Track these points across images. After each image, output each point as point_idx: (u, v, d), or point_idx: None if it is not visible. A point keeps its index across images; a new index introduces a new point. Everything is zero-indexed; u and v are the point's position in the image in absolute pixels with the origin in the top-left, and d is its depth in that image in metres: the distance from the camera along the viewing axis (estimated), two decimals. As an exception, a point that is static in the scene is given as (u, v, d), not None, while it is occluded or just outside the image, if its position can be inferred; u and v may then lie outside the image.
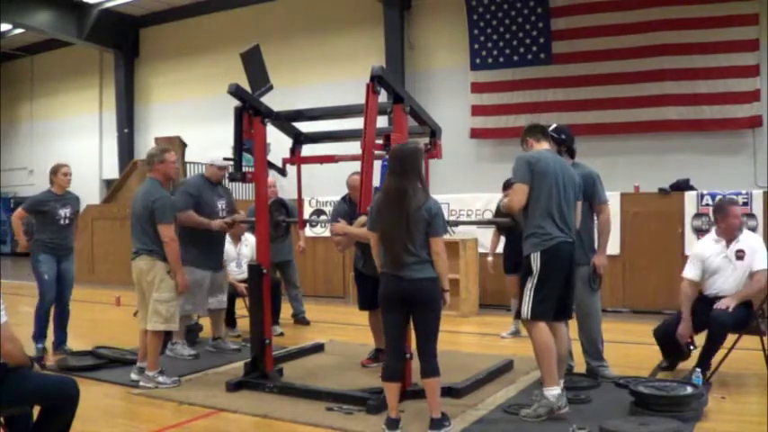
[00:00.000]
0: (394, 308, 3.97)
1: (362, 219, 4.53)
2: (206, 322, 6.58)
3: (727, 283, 4.96)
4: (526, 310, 4.18)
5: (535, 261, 4.17)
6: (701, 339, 5.04)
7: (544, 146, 4.40)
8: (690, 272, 5.11)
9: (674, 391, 4.23)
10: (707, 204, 8.07)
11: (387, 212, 3.92)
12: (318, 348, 6.38)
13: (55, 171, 6.45)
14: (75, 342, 6.62)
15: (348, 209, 5.49)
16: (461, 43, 12.27)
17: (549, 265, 4.14)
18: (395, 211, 3.88)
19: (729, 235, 5.00)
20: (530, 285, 4.19)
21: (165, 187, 5.23)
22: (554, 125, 5.02)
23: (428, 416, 3.95)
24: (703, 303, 5.01)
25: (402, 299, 3.93)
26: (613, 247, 8.49)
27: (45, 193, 6.37)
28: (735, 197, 7.76)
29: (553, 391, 4.08)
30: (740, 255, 4.94)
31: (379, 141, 4.54)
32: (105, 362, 5.70)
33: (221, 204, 6.01)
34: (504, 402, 4.55)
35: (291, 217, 6.09)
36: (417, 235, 3.87)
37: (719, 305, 4.81)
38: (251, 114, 5.07)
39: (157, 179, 5.20)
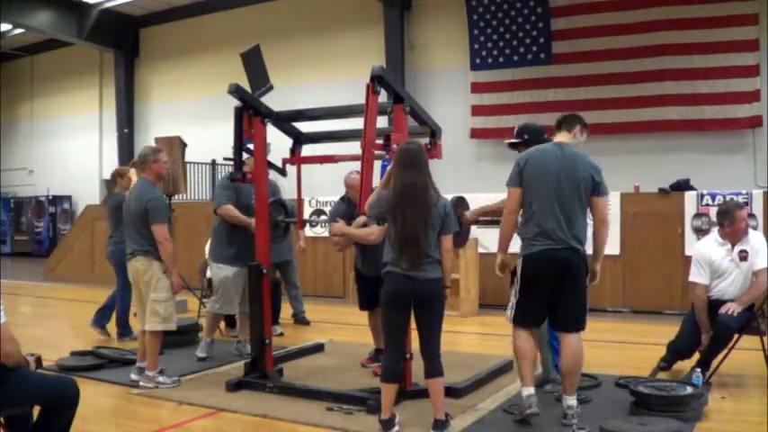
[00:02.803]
0: (400, 307, 3.95)
1: (362, 219, 4.52)
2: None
3: (732, 286, 4.92)
4: (509, 314, 4.19)
5: (519, 266, 4.10)
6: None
7: (559, 137, 4.15)
8: (701, 277, 5.00)
9: (674, 391, 4.22)
10: (707, 204, 8.08)
11: (405, 210, 3.81)
12: (318, 348, 6.38)
13: (123, 174, 7.01)
14: (75, 342, 6.63)
15: (347, 209, 5.48)
16: (461, 43, 12.28)
17: (528, 272, 4.04)
18: (414, 210, 3.81)
19: (736, 239, 4.95)
20: (513, 291, 4.17)
21: (156, 187, 5.23)
22: (518, 126, 4.85)
23: (428, 416, 3.96)
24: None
25: (410, 299, 3.90)
26: (613, 247, 8.51)
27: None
28: (735, 197, 7.76)
29: (523, 392, 4.03)
30: (743, 255, 4.91)
31: (379, 141, 4.54)
32: (105, 362, 5.70)
33: None
34: (505, 402, 4.54)
35: (291, 217, 6.08)
36: (433, 234, 3.87)
37: (724, 309, 4.78)
38: (251, 114, 5.06)
39: (149, 179, 5.19)
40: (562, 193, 3.97)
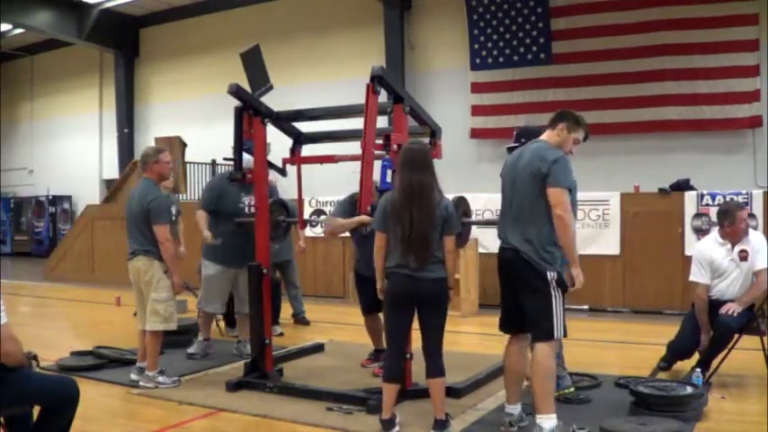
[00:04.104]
0: (404, 307, 3.94)
1: (364, 219, 4.53)
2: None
3: (732, 286, 4.91)
4: None
5: None
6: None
7: (543, 136, 3.99)
8: (701, 277, 4.99)
9: (674, 391, 4.23)
10: (707, 204, 8.08)
11: (412, 211, 3.80)
12: (318, 348, 6.38)
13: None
14: (75, 342, 6.63)
15: (349, 207, 5.45)
16: (461, 43, 12.28)
17: (498, 273, 4.00)
18: (421, 210, 3.80)
19: (736, 239, 4.94)
20: None
21: (159, 187, 5.24)
22: (516, 130, 4.80)
23: (428, 416, 3.96)
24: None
25: (414, 299, 3.89)
26: (613, 247, 8.53)
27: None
28: (735, 197, 7.76)
29: (506, 408, 3.99)
30: (743, 255, 4.90)
31: (379, 141, 4.53)
32: (105, 362, 5.70)
33: (247, 200, 5.81)
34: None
35: (291, 217, 6.08)
36: (436, 234, 3.86)
37: (725, 309, 4.77)
38: (251, 114, 5.06)
39: (152, 179, 5.20)
40: (516, 193, 3.85)
